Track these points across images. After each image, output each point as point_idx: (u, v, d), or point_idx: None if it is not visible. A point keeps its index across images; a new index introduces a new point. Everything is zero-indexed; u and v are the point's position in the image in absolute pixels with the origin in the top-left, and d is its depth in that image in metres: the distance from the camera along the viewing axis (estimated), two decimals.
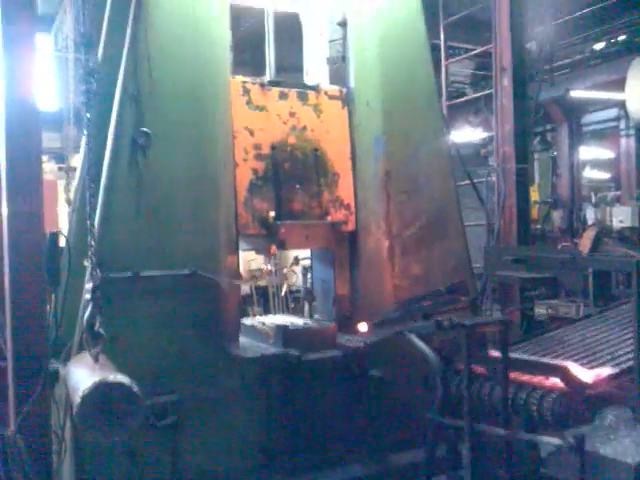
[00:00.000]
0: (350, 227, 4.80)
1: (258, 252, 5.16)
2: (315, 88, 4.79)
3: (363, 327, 4.42)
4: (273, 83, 4.63)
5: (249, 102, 4.51)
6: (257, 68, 4.79)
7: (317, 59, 5.07)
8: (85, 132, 3.35)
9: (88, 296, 2.98)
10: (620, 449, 2.94)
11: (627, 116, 12.15)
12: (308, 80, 5.06)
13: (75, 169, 6.89)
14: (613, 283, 8.28)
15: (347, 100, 4.87)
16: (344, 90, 4.89)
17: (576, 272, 3.58)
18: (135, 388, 2.70)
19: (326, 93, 4.82)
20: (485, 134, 11.69)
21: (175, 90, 4.08)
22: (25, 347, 3.17)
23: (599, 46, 12.79)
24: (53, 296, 4.03)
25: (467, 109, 12.23)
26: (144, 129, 3.90)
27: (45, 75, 10.46)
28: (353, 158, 4.85)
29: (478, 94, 10.14)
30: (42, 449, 3.22)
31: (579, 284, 4.69)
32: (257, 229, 4.48)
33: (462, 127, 12.50)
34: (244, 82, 4.51)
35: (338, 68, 4.95)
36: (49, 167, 8.88)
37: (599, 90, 11.57)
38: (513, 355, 3.59)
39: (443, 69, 8.63)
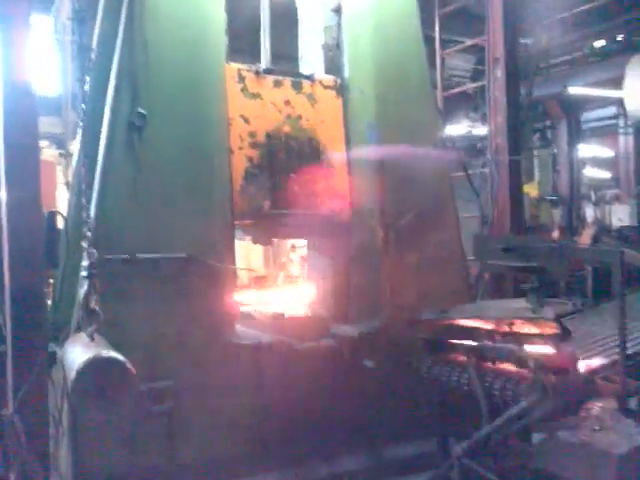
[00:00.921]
0: (345, 216, 4.80)
1: (255, 241, 5.20)
2: (310, 77, 4.80)
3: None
4: (268, 71, 4.63)
5: (244, 89, 4.52)
6: (255, 56, 4.78)
7: (312, 46, 5.08)
8: (81, 109, 3.36)
9: (84, 274, 3.02)
10: (606, 440, 2.97)
11: (625, 114, 12.15)
12: (303, 66, 5.07)
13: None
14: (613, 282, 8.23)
15: (341, 90, 4.89)
16: (338, 80, 4.90)
17: (562, 261, 3.61)
18: (128, 365, 2.76)
19: (321, 82, 4.83)
20: (483, 130, 11.66)
21: (170, 71, 4.07)
22: (24, 328, 3.20)
23: (599, 44, 12.76)
24: (52, 281, 4.07)
25: (467, 105, 12.21)
26: (140, 110, 3.88)
27: (45, 58, 10.38)
28: (348, 148, 4.85)
29: (472, 85, 10.06)
30: (39, 431, 3.25)
31: (564, 273, 4.71)
32: (253, 217, 4.51)
33: (461, 121, 12.50)
34: (239, 69, 4.53)
35: (333, 56, 4.96)
36: (50, 152, 8.85)
37: (598, 87, 11.56)
38: (498, 345, 3.60)
39: (438, 60, 8.55)
